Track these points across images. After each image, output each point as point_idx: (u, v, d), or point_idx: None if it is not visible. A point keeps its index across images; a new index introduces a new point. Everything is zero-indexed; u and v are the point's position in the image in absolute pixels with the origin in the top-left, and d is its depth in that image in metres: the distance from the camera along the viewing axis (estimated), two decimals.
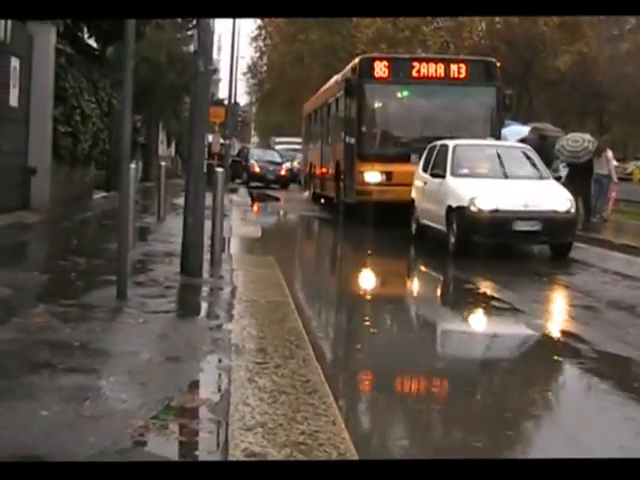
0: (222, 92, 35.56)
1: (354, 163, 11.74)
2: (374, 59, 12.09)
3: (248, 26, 69.44)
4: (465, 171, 9.12)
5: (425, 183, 9.80)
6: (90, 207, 11.81)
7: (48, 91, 9.51)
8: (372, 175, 11.50)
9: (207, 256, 6.20)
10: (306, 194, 18.51)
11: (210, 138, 21.32)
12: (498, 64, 12.37)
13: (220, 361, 3.62)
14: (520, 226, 8.19)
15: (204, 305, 5.11)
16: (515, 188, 8.65)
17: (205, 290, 5.45)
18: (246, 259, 7.29)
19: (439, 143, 9.85)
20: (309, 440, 2.58)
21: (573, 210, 8.72)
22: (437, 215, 8.98)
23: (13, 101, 8.78)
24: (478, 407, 3.80)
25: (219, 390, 3.20)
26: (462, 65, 12.02)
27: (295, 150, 24.46)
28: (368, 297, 6.86)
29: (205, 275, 5.85)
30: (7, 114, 8.60)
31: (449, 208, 8.58)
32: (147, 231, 9.02)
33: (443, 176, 9.07)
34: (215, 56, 36.56)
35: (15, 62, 8.63)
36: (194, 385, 3.28)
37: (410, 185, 10.58)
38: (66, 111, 10.02)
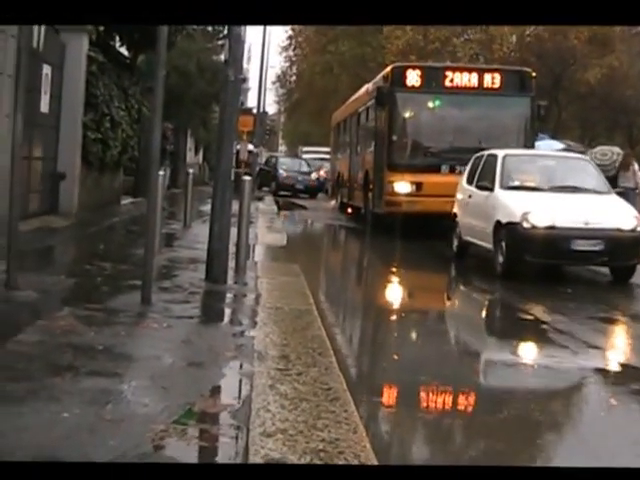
0: (251, 101, 35.91)
1: (383, 173, 11.51)
2: (406, 67, 11.82)
3: (278, 36, 70.12)
4: (516, 183, 8.25)
5: (470, 196, 8.92)
6: (118, 213, 11.94)
7: (79, 98, 9.67)
8: (402, 185, 11.22)
9: (232, 263, 6.21)
10: (332, 203, 18.45)
11: (238, 146, 21.50)
12: (533, 74, 11.92)
13: (242, 367, 3.61)
14: (579, 245, 7.29)
15: (228, 311, 5.11)
16: (573, 203, 7.77)
17: (229, 297, 5.46)
18: (271, 267, 7.29)
19: (486, 153, 9.10)
20: (329, 447, 2.55)
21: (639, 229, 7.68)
22: (483, 232, 8.12)
23: (44, 107, 8.94)
24: (503, 421, 3.69)
25: (241, 396, 3.18)
26: (496, 75, 11.65)
27: (322, 159, 24.47)
28: (396, 311, 6.57)
29: (230, 282, 5.86)
30: (38, 120, 8.75)
31: (498, 224, 7.71)
32: (173, 237, 9.09)
33: (491, 189, 8.23)
34: (245, 65, 36.84)
35: (47, 69, 8.80)
36: (216, 390, 3.27)
37: (441, 196, 10.22)
38: (96, 118, 10.16)
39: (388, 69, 12.16)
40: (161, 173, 7.60)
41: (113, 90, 10.84)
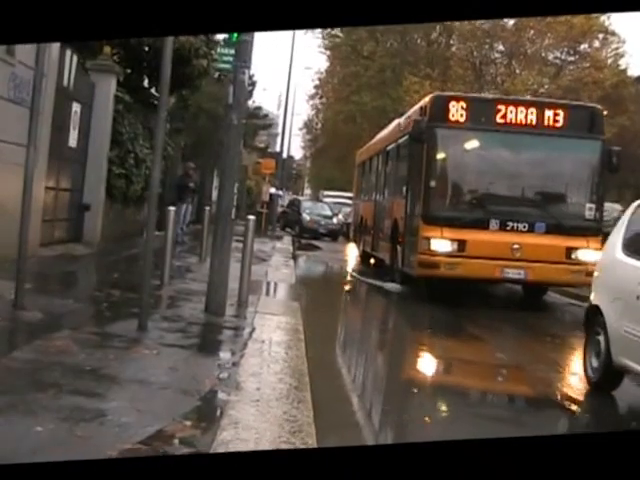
0: (279, 146, 37.05)
1: (418, 226, 9.23)
2: (450, 98, 9.54)
3: (307, 85, 72.87)
4: None
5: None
6: (139, 244, 12.26)
7: (105, 135, 10.20)
8: (440, 243, 8.92)
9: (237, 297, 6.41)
10: (352, 246, 18.26)
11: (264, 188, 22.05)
12: (604, 112, 9.76)
13: (219, 396, 3.75)
14: None
15: (219, 343, 5.25)
16: None
17: (224, 329, 5.62)
18: (272, 303, 7.45)
19: None
20: None
21: None
22: None
23: (72, 142, 9.46)
24: None
25: (210, 423, 3.32)
26: (559, 111, 9.27)
27: (342, 204, 24.97)
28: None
29: (229, 315, 6.05)
30: (66, 154, 9.25)
31: None
32: (187, 270, 9.36)
33: None
34: (275, 112, 38.21)
35: (76, 107, 9.35)
36: (188, 416, 3.39)
37: (488, 259, 8.54)
38: (121, 154, 10.67)
39: (427, 99, 9.85)
40: (172, 209, 7.99)
41: (138, 129, 11.35)
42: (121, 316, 5.60)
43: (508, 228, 8.91)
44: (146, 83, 12.45)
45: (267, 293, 8.41)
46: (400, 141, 11.18)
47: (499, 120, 9.16)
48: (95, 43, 10.39)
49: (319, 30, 29.39)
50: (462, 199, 9.46)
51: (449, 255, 8.90)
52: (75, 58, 9.12)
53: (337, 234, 23.28)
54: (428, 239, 8.97)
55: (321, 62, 41.56)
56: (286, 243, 18.19)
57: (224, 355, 4.76)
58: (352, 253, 17.26)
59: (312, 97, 32.65)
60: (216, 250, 6.06)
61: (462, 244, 8.89)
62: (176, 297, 6.91)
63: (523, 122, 9.19)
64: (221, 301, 5.97)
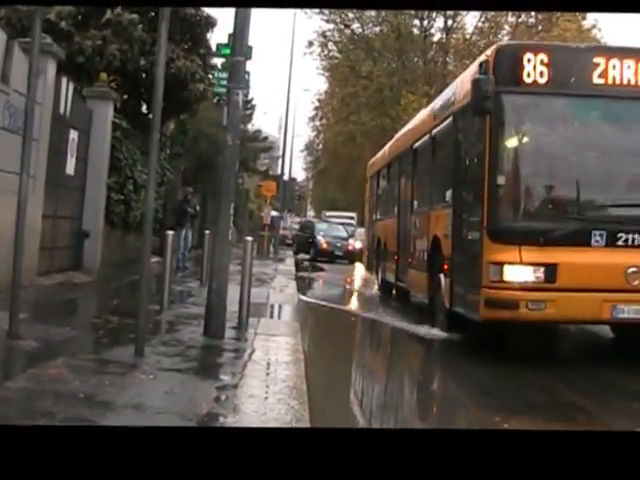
0: (281, 168, 37.46)
1: (480, 245, 6.17)
2: (523, 49, 6.23)
3: (306, 107, 74.01)
4: None
5: None
6: (139, 271, 12.22)
7: (104, 161, 10.22)
8: (518, 270, 5.91)
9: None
10: (359, 267, 17.80)
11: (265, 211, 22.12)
12: None
13: (216, 419, 3.66)
14: None
15: (218, 365, 5.17)
16: None
17: (223, 352, 5.53)
18: (273, 324, 7.36)
19: None
20: None
21: None
22: None
23: (70, 170, 9.46)
24: None
25: None
26: None
27: (344, 224, 25.04)
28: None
29: (228, 337, 5.96)
30: (64, 181, 9.26)
31: None
32: (188, 295, 9.32)
33: None
34: (276, 134, 38.58)
35: (74, 134, 9.37)
36: None
37: (591, 291, 5.82)
38: (120, 180, 10.69)
39: (489, 52, 6.44)
40: (170, 233, 7.96)
41: (136, 155, 11.39)
42: (118, 342, 5.53)
43: (619, 243, 5.96)
44: (144, 109, 12.51)
45: (268, 314, 8.32)
46: (435, 131, 8.22)
47: (597, 80, 6.10)
48: (92, 70, 10.48)
49: (317, 52, 29.80)
50: (547, 202, 6.21)
51: (533, 288, 5.90)
52: (71, 85, 9.17)
53: (354, 256, 22.02)
54: (499, 265, 5.93)
55: (320, 84, 42.24)
56: (288, 265, 18.12)
57: (223, 378, 4.67)
58: (359, 274, 16.56)
59: (312, 119, 33.17)
60: (214, 272, 6.00)
61: (552, 270, 5.90)
62: (175, 321, 6.84)
63: (633, 82, 6.11)
64: (220, 323, 5.89)
